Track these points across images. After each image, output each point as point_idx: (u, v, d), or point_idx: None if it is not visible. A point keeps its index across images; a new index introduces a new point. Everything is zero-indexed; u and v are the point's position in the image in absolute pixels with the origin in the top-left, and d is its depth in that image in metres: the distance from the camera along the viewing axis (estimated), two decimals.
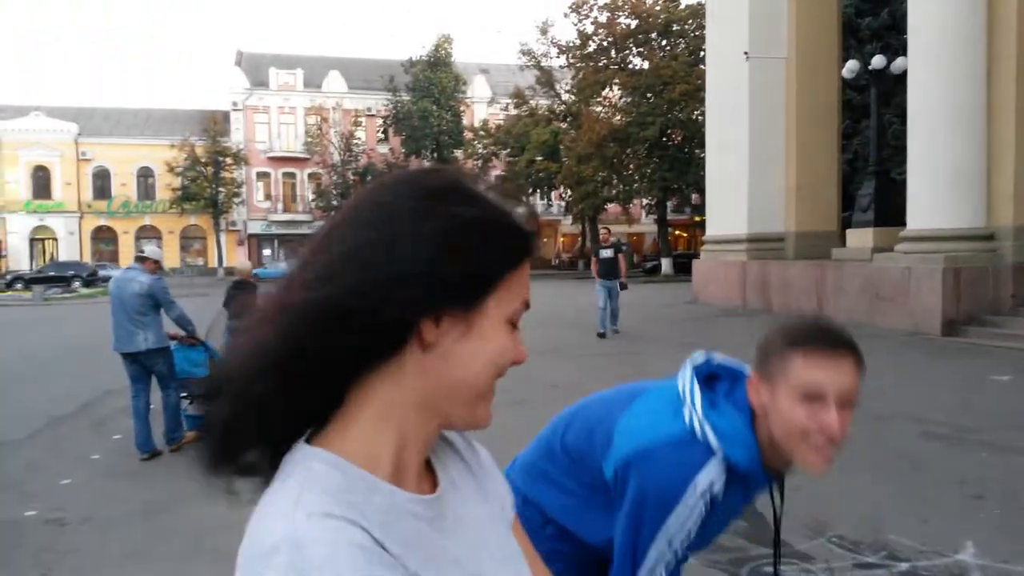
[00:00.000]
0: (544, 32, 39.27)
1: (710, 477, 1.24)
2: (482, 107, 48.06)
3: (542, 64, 39.65)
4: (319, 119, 44.87)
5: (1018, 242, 10.51)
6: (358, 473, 0.65)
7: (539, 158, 37.84)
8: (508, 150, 40.58)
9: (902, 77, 12.94)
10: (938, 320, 10.42)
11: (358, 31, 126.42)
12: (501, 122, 42.63)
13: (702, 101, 30.85)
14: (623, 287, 12.12)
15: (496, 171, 42.86)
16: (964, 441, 5.45)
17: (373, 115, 46.87)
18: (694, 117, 34.14)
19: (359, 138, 44.90)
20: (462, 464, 0.81)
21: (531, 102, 40.12)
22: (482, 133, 41.97)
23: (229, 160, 42.52)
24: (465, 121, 45.22)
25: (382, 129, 47.46)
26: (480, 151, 41.98)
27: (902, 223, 11.72)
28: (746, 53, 16.30)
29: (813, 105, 15.64)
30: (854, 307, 11.97)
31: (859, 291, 11.95)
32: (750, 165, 15.95)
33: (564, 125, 39.07)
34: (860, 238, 13.16)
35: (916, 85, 11.36)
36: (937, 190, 10.94)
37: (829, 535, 3.77)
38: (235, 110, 46.15)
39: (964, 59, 10.69)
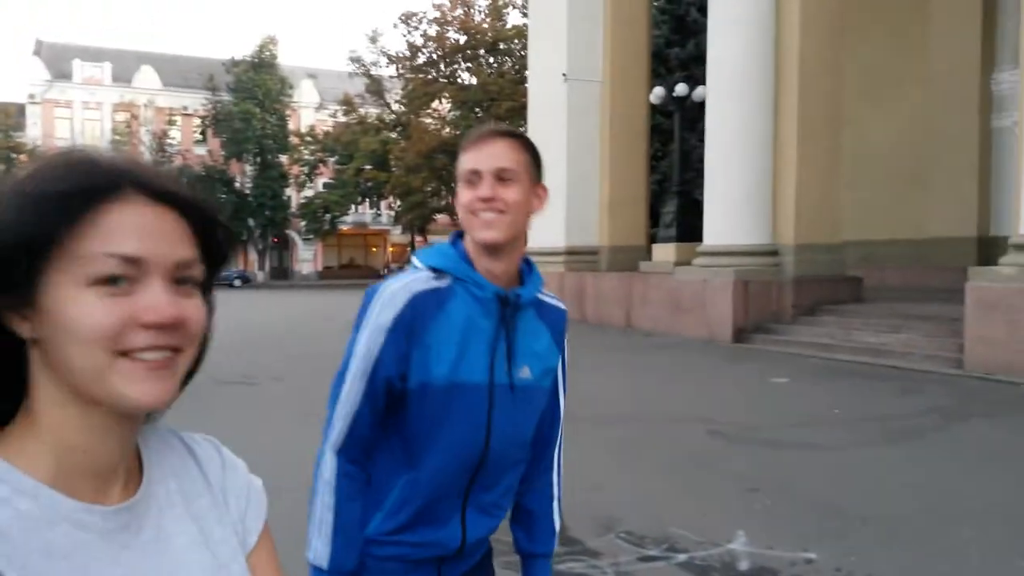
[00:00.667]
0: (374, 41, 39.07)
1: (403, 280, 1.33)
2: (309, 112, 46.98)
3: (372, 73, 39.36)
4: (129, 116, 42.01)
5: (798, 258, 11.68)
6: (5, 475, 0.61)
7: (368, 167, 37.49)
8: (336, 157, 39.91)
9: (704, 105, 14.03)
10: (729, 328, 11.36)
11: (173, 27, 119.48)
12: (330, 129, 41.84)
13: (527, 118, 31.97)
14: None
15: (323, 178, 42.01)
16: (744, 439, 5.97)
17: (190, 114, 44.55)
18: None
19: (173, 138, 42.47)
20: (198, 476, 0.76)
21: (360, 110, 39.70)
22: (309, 139, 41.03)
23: (23, 157, 38.78)
24: (291, 126, 43.99)
25: (200, 130, 45.16)
26: (307, 157, 40.99)
27: (701, 239, 12.69)
28: (564, 75, 17.04)
29: (625, 128, 16.58)
30: (658, 316, 12.78)
31: (662, 302, 12.78)
32: (567, 181, 16.62)
33: (394, 135, 38.96)
34: (664, 252, 14.10)
35: (713, 113, 12.36)
36: (729, 210, 11.94)
37: (618, 531, 4.00)
38: (32, 103, 42.34)
39: (755, 92, 11.76)
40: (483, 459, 1.35)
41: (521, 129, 23.07)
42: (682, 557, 3.70)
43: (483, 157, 1.34)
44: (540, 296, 1.45)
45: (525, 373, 1.39)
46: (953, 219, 14.20)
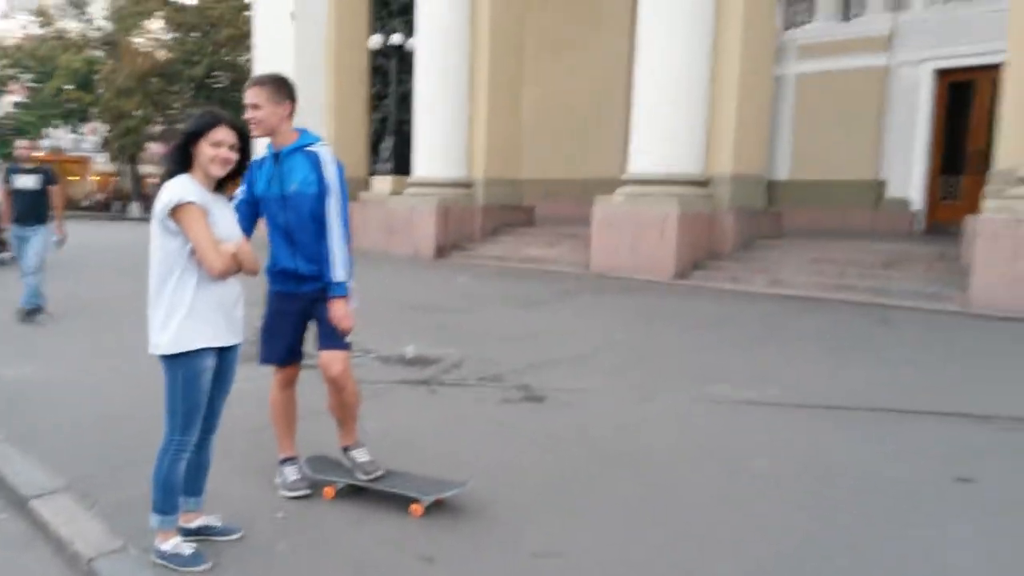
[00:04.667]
0: None
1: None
2: None
3: None
4: None
5: (487, 190, 14.52)
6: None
7: (70, 87, 34.80)
8: (32, 75, 36.30)
9: None
10: (432, 246, 13.99)
11: None
12: (20, 41, 37.73)
13: (249, 47, 31.82)
14: (60, 241, 7.93)
15: (16, 96, 38.02)
16: (429, 309, 8.48)
17: None
18: (241, 62, 34.88)
19: None
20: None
21: (58, 23, 36.39)
22: None
23: None
24: None
25: None
26: None
27: (411, 172, 15.08)
28: (292, 13, 18.27)
29: (349, 68, 18.23)
30: (375, 239, 15.01)
31: (378, 226, 15.03)
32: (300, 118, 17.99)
33: (100, 54, 36.38)
34: (381, 184, 16.32)
35: (421, 61, 14.65)
36: (434, 148, 14.44)
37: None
38: None
39: (454, 50, 14.20)
40: (287, 231, 3.38)
41: (249, 58, 23.46)
42: (373, 355, 6.02)
43: (246, 96, 3.16)
44: (303, 149, 3.12)
45: (293, 187, 3.27)
46: (607, 162, 17.98)
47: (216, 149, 2.66)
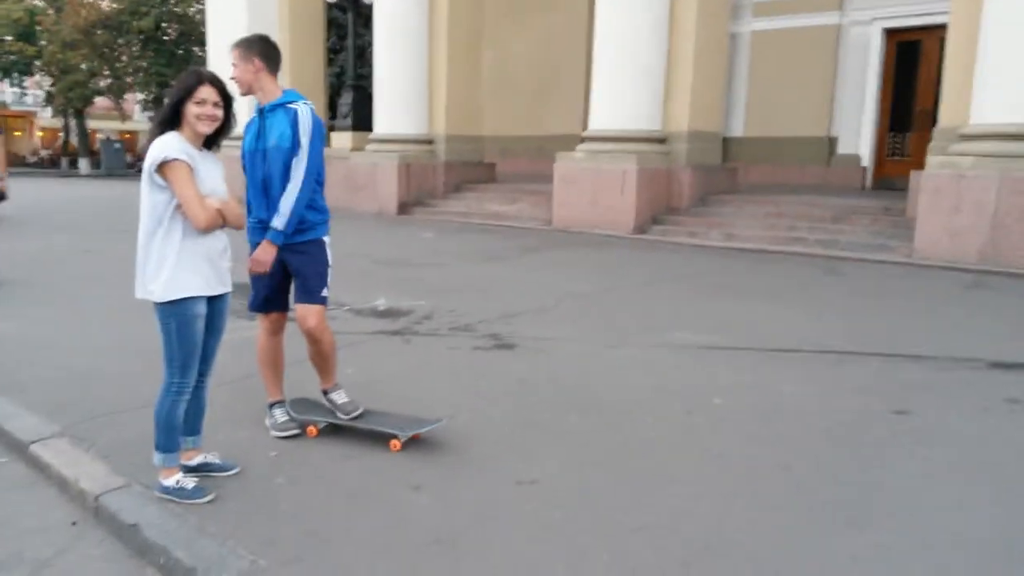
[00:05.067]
0: None
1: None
2: None
3: None
4: None
5: (448, 146, 14.58)
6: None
7: (9, 38, 33.48)
8: None
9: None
10: (395, 202, 14.05)
11: None
12: None
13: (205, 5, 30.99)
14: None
15: None
16: (394, 264, 8.64)
17: None
18: (191, 14, 33.89)
19: None
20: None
21: None
22: None
23: None
24: None
25: None
26: None
27: (371, 128, 15.03)
28: None
29: (303, 20, 17.84)
30: (337, 196, 14.94)
31: (340, 182, 15.00)
32: None
33: (41, 3, 34.99)
34: (341, 140, 16.23)
35: (380, 16, 14.51)
36: (395, 106, 14.41)
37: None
38: None
39: (414, 10, 14.09)
40: (263, 183, 3.53)
41: (200, 10, 22.90)
42: (347, 307, 6.20)
43: (229, 59, 3.38)
44: (285, 105, 3.27)
45: (272, 142, 3.42)
46: (567, 119, 18.12)
47: (201, 107, 2.80)
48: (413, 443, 3.42)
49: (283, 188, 3.32)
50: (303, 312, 3.43)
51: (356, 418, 3.52)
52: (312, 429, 3.54)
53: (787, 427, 3.75)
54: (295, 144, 3.30)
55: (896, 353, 5.09)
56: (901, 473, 3.23)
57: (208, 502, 2.87)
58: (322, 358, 3.56)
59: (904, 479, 3.17)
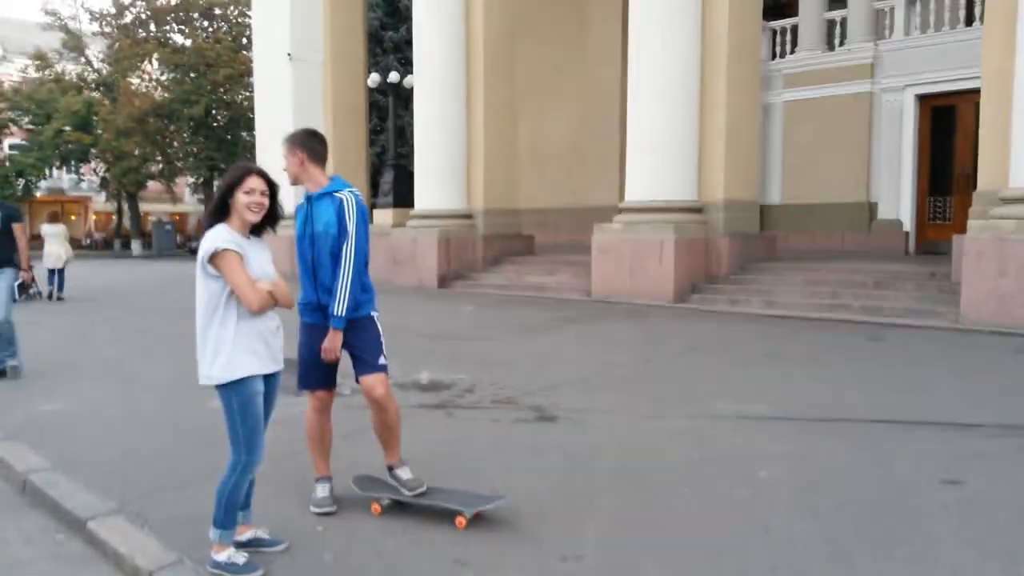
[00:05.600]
0: None
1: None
2: None
3: (69, 27, 36.79)
4: None
5: (486, 220, 14.87)
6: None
7: (69, 128, 35.28)
8: (30, 117, 36.74)
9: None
10: (435, 276, 14.29)
11: None
12: (18, 85, 38.28)
13: (247, 86, 32.47)
14: (24, 288, 7.65)
15: (14, 139, 38.46)
16: (438, 337, 8.75)
17: None
18: (239, 100, 35.44)
19: None
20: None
21: (56, 67, 37.00)
22: None
23: None
24: None
25: None
26: None
27: (412, 205, 15.42)
28: (289, 54, 18.71)
29: (346, 104, 18.67)
30: (379, 270, 15.25)
31: (382, 257, 15.29)
32: None
33: (98, 95, 36.93)
34: (383, 217, 16.66)
35: (419, 98, 15.06)
36: (434, 182, 14.81)
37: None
38: None
39: (450, 88, 14.64)
40: (312, 267, 3.67)
41: (248, 97, 24.12)
42: (391, 382, 6.26)
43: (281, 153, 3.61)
44: (331, 194, 3.45)
45: (319, 227, 3.56)
46: (604, 190, 18.40)
47: (250, 196, 3.00)
48: (391, 508, 3.51)
49: (332, 271, 3.48)
50: (370, 382, 3.54)
51: (419, 495, 3.52)
52: (376, 507, 3.56)
53: (834, 499, 3.69)
54: (341, 230, 3.47)
55: (946, 421, 5.00)
56: (951, 546, 3.15)
57: None
58: (387, 428, 3.62)
59: (954, 552, 3.10)
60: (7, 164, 37.42)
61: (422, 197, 15.13)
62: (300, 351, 3.61)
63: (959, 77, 14.08)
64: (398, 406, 3.66)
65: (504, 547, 3.20)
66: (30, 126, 37.27)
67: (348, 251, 3.45)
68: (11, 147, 39.01)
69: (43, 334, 9.19)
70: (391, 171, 17.58)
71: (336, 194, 3.52)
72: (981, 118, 9.58)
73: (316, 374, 3.61)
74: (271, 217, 3.12)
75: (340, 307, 3.43)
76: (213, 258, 2.91)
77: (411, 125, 16.19)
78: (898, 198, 15.65)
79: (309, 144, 3.56)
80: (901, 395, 5.82)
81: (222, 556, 2.98)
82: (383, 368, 3.58)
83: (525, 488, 3.85)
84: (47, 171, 40.10)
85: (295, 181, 3.56)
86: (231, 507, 3.00)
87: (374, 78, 18.18)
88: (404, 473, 3.59)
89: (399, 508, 3.57)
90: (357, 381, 3.63)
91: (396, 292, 13.13)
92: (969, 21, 14.47)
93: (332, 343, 3.47)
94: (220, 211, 3.03)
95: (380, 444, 3.69)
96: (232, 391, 2.96)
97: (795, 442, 4.63)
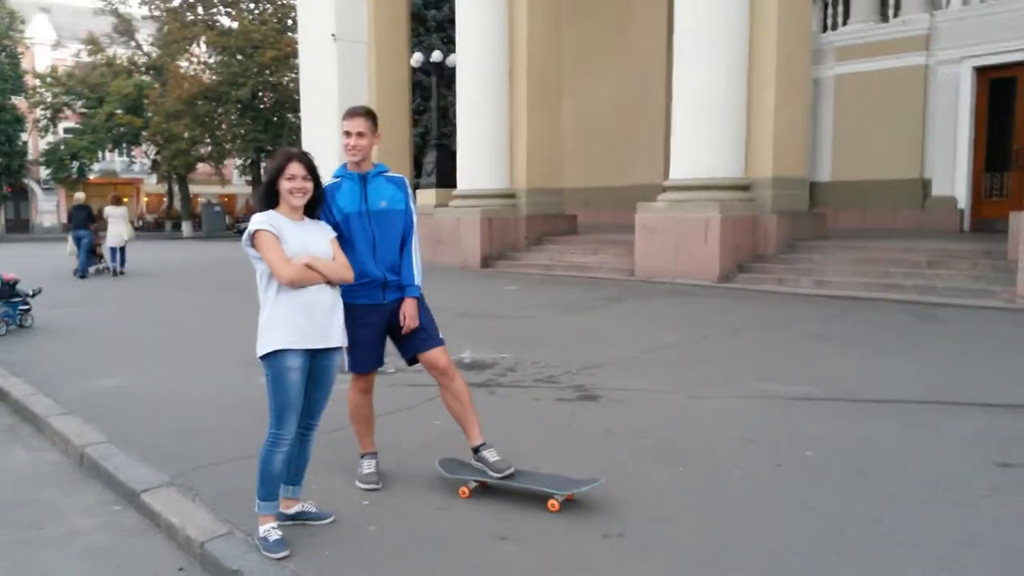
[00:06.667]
0: None
1: (331, 176, 3.55)
2: (45, 50, 43.38)
3: (120, 11, 37.53)
4: None
5: (529, 200, 14.82)
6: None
7: (120, 111, 36.09)
8: (83, 101, 37.66)
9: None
10: (478, 256, 14.32)
11: None
12: (71, 69, 39.24)
13: (292, 68, 32.78)
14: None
15: (69, 122, 39.45)
16: (480, 316, 8.79)
17: None
18: (285, 82, 35.81)
19: None
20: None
21: (108, 51, 37.80)
22: (50, 80, 38.25)
23: None
24: (24, 65, 40.55)
25: None
26: (49, 100, 38.28)
27: (455, 185, 15.45)
28: (334, 35, 18.80)
29: (390, 86, 18.71)
30: (423, 250, 15.16)
31: (425, 237, 15.37)
32: (339, 134, 18.52)
33: (148, 78, 37.66)
34: (426, 197, 16.73)
35: (462, 77, 15.04)
36: (477, 161, 14.81)
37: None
38: None
39: (493, 66, 14.59)
40: (372, 244, 3.66)
41: (293, 79, 24.38)
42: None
43: (351, 124, 3.51)
44: (385, 173, 3.59)
45: (383, 204, 3.65)
46: (648, 168, 18.18)
47: (292, 182, 3.06)
48: (501, 494, 3.47)
49: (396, 247, 3.55)
50: (435, 354, 3.59)
51: (507, 477, 3.47)
52: (464, 490, 3.50)
53: (882, 480, 3.63)
54: (408, 207, 3.60)
55: (999, 403, 4.86)
56: (1002, 528, 3.08)
57: (281, 557, 2.93)
58: (460, 401, 3.61)
59: (1005, 534, 3.02)
60: (62, 147, 38.47)
61: (465, 177, 15.15)
62: (352, 334, 3.52)
63: (1019, 48, 13.54)
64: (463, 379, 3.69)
65: (546, 523, 3.21)
66: (83, 110, 38.24)
67: (414, 225, 3.62)
68: (66, 131, 40.09)
69: (106, 307, 9.47)
70: (434, 151, 17.61)
71: (391, 174, 3.63)
72: None
73: (373, 355, 3.64)
74: (318, 200, 3.18)
75: (418, 276, 3.59)
76: (252, 240, 3.02)
77: (454, 105, 16.17)
78: (953, 174, 15.17)
79: (377, 124, 3.59)
80: (953, 376, 5.68)
81: (261, 529, 3.05)
82: (443, 341, 3.63)
83: (566, 466, 3.85)
84: (100, 154, 41.16)
85: (365, 159, 3.53)
86: (266, 479, 3.06)
87: (417, 57, 18.18)
88: (491, 455, 3.53)
89: (487, 492, 3.52)
90: (411, 360, 3.66)
91: (439, 272, 13.20)
92: None
93: (414, 310, 3.55)
94: (269, 197, 3.11)
95: (460, 425, 3.65)
96: (268, 363, 3.04)
97: (844, 423, 4.56)
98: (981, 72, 14.77)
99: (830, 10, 17.12)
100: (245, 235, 3.05)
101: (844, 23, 16.80)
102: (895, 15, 16.01)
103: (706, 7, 11.25)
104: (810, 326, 7.90)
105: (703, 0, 11.26)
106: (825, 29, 16.99)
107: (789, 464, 3.87)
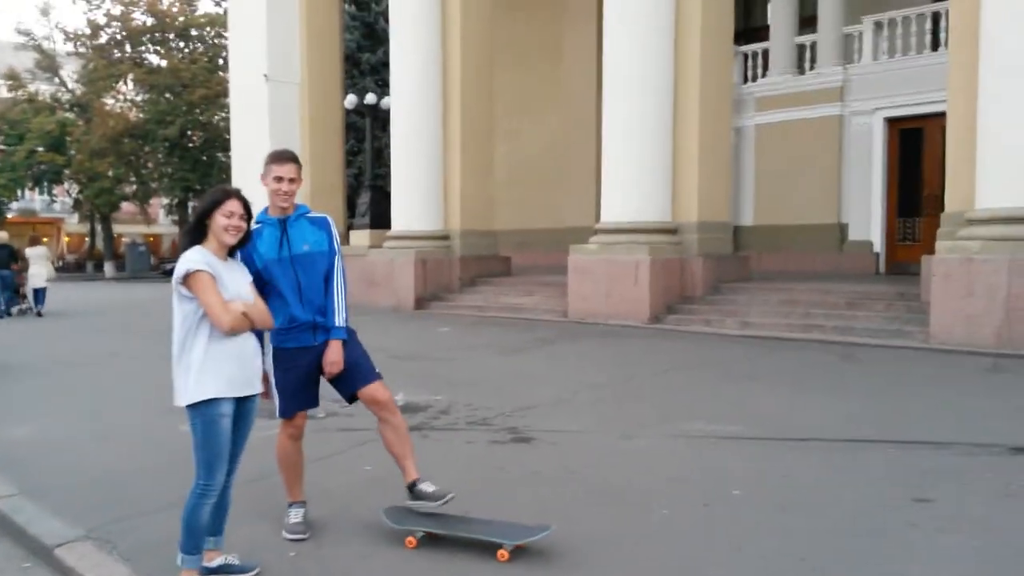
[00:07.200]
0: (45, 14, 36.37)
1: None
2: None
3: (43, 47, 36.55)
4: None
5: (463, 241, 14.86)
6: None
7: (42, 149, 34.93)
8: (2, 138, 36.33)
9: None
10: (412, 297, 14.24)
11: None
12: None
13: (223, 106, 32.35)
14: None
15: None
16: (411, 358, 8.73)
17: None
18: (215, 121, 35.31)
19: None
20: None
21: (30, 87, 36.68)
22: None
23: None
24: None
25: None
26: None
27: (389, 226, 15.41)
28: (266, 75, 18.70)
29: (323, 126, 18.58)
30: (355, 291, 15.07)
31: (358, 278, 15.20)
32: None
33: (71, 115, 36.64)
34: (360, 238, 16.63)
35: (396, 119, 15.09)
36: (411, 203, 14.81)
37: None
38: None
39: (427, 109, 14.68)
40: (297, 288, 3.61)
41: (224, 118, 24.10)
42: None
43: (283, 170, 3.50)
44: (307, 215, 3.58)
45: (305, 248, 3.61)
46: (579, 211, 18.51)
47: (229, 219, 3.01)
48: (448, 544, 3.40)
49: (322, 290, 3.54)
50: (373, 388, 3.57)
51: (447, 503, 3.43)
52: (411, 540, 3.39)
53: (807, 517, 3.72)
54: (331, 248, 3.59)
55: (916, 440, 5.06)
56: (923, 563, 3.19)
57: None
58: (399, 436, 3.58)
59: (927, 569, 3.13)
60: None
61: (399, 218, 15.13)
62: (282, 379, 3.52)
63: (927, 100, 14.36)
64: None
65: (468, 567, 3.18)
66: (2, 147, 36.87)
67: (340, 266, 3.63)
68: None
69: (20, 351, 9.06)
70: (368, 192, 17.58)
71: (314, 215, 3.61)
72: (948, 141, 9.78)
73: (301, 398, 3.59)
74: (245, 240, 3.14)
75: (341, 318, 3.55)
76: (186, 279, 2.91)
77: (388, 147, 16.20)
78: (868, 219, 15.89)
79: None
80: (873, 414, 5.89)
81: None
82: (380, 375, 3.62)
83: (496, 509, 3.84)
84: (19, 192, 39.63)
85: (291, 204, 3.52)
86: (192, 531, 2.96)
87: (351, 99, 18.22)
88: (427, 487, 3.49)
89: (435, 542, 3.42)
90: (351, 398, 3.64)
91: (372, 313, 13.08)
92: (935, 46, 14.80)
93: (339, 354, 3.51)
94: (197, 232, 3.04)
95: (397, 461, 3.59)
96: (197, 412, 2.94)
97: (768, 462, 4.67)
98: (892, 123, 15.61)
99: (750, 62, 17.90)
100: (177, 272, 2.94)
101: (763, 75, 17.58)
102: (811, 68, 16.84)
103: (632, 59, 11.63)
104: (737, 366, 8.10)
105: (630, 53, 11.65)
106: (746, 80, 17.74)
107: (716, 503, 3.94)
